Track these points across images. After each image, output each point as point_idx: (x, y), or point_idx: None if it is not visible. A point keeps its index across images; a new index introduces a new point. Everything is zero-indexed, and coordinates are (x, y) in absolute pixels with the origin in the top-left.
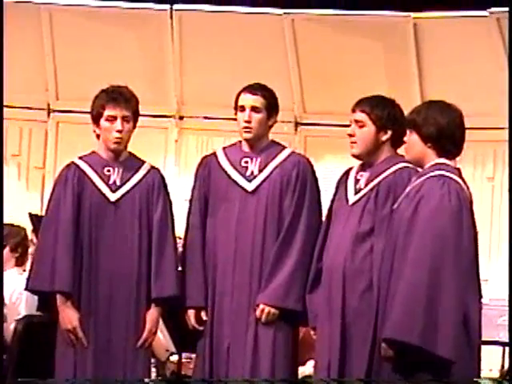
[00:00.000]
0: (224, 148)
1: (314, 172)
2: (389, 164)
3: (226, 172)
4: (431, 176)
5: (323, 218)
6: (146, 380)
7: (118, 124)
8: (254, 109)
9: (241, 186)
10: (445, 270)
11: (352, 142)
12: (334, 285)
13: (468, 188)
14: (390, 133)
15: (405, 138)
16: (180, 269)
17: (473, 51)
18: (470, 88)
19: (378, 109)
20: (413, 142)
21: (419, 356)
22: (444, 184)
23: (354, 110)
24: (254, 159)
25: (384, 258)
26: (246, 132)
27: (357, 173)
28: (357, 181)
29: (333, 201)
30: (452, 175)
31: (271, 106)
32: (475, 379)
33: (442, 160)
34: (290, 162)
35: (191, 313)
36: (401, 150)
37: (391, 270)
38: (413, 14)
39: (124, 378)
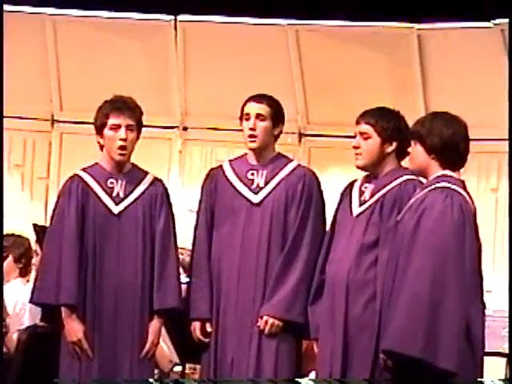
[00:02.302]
0: (230, 161)
1: (319, 185)
2: (394, 176)
3: (232, 184)
4: (435, 188)
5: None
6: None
7: (121, 132)
8: (258, 116)
9: (247, 199)
10: (446, 282)
11: (357, 154)
12: (337, 296)
13: (472, 200)
14: (394, 144)
15: (409, 149)
16: (187, 280)
17: (477, 62)
18: (474, 99)
19: (383, 120)
20: (417, 154)
21: (420, 368)
22: (447, 196)
23: (358, 122)
24: (260, 172)
25: (387, 269)
26: (250, 141)
27: (361, 184)
28: (361, 192)
29: (336, 212)
30: (456, 187)
31: (276, 115)
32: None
33: (446, 172)
34: (295, 174)
35: (197, 325)
36: (405, 162)
37: (394, 282)
38: (417, 26)
39: None
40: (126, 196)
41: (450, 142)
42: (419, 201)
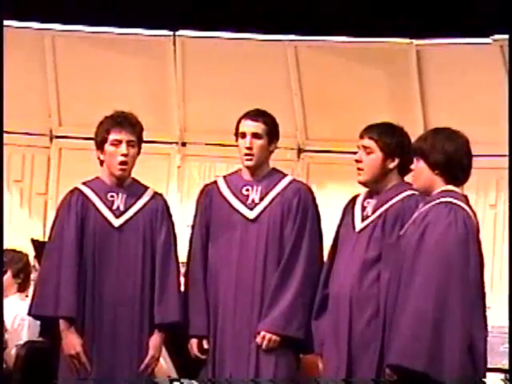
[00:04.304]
0: (225, 176)
1: (314, 199)
2: (396, 191)
3: (227, 200)
4: (438, 203)
5: (325, 245)
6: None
7: (123, 148)
8: (254, 135)
9: (242, 214)
10: (450, 298)
11: (359, 169)
12: (340, 311)
13: (475, 215)
14: (397, 160)
15: (412, 166)
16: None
17: (476, 78)
18: (473, 115)
19: (386, 136)
20: (420, 170)
21: (425, 382)
22: (451, 211)
23: (361, 137)
24: (255, 187)
25: (390, 284)
26: (247, 160)
27: (364, 200)
28: (364, 208)
29: (339, 227)
30: (459, 202)
31: (272, 131)
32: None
33: (450, 187)
34: (290, 189)
35: (194, 342)
36: (407, 178)
37: (397, 296)
38: (416, 41)
39: None
40: (126, 209)
41: (453, 157)
42: (423, 215)
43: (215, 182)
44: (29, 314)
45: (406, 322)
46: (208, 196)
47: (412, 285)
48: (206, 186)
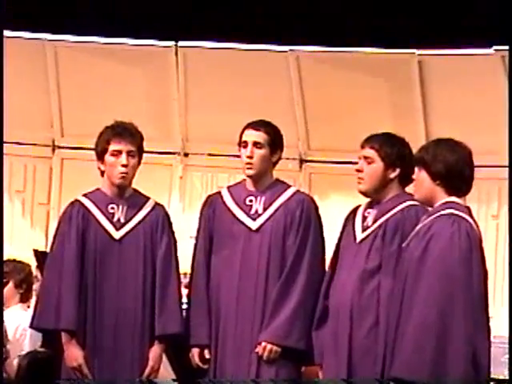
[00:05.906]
0: (229, 187)
1: (318, 211)
2: (396, 202)
3: (230, 211)
4: (441, 214)
5: (327, 256)
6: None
7: (123, 158)
8: (256, 144)
9: (245, 225)
10: (454, 309)
11: (359, 178)
12: (340, 321)
13: (478, 226)
14: (398, 170)
15: (413, 176)
16: (185, 306)
17: (478, 89)
18: (475, 125)
19: (387, 146)
20: (422, 180)
21: None
22: (454, 223)
23: (363, 146)
24: (259, 198)
25: (393, 295)
26: (248, 168)
27: (364, 210)
28: (364, 218)
29: (340, 238)
30: (462, 214)
31: (274, 142)
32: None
33: (453, 198)
34: (294, 200)
35: (195, 351)
36: (409, 189)
37: (400, 308)
38: (418, 52)
39: None
40: (126, 221)
41: (454, 167)
42: (426, 227)
43: (219, 193)
44: (31, 326)
45: (410, 334)
46: (211, 206)
47: (415, 297)
48: (210, 196)
